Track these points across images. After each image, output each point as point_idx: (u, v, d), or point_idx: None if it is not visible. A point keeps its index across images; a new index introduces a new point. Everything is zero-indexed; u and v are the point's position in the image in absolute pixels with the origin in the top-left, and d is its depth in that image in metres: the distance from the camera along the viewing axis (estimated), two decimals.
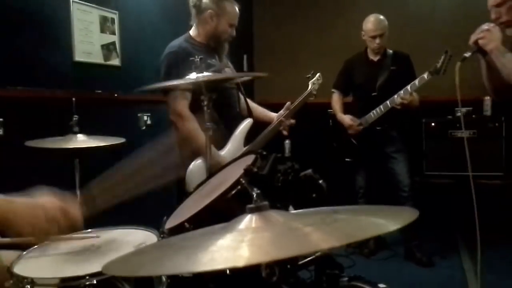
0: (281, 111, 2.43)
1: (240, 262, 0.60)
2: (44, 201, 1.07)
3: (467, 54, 1.93)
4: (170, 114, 2.16)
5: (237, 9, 2.26)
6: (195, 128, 2.06)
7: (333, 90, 3.52)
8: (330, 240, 0.63)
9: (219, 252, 0.66)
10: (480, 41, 1.88)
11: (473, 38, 1.91)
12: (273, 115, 2.47)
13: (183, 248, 0.75)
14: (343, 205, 0.86)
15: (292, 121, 2.43)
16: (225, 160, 2.06)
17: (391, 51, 3.31)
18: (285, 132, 2.43)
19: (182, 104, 2.09)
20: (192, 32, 2.28)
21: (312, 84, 2.58)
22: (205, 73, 1.60)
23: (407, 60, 3.27)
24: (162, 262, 0.71)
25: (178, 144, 2.26)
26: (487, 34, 1.86)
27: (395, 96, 3.07)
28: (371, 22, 3.20)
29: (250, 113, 2.39)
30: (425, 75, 2.98)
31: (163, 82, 1.98)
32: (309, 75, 2.61)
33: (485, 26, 1.91)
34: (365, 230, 0.69)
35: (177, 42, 2.22)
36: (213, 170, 1.73)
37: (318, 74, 2.62)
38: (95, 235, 1.30)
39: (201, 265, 0.64)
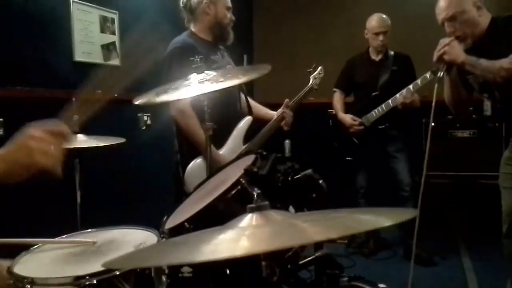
0: (280, 109, 2.43)
1: (242, 252, 0.61)
2: (26, 132, 1.04)
3: (440, 74, 1.91)
4: (171, 111, 2.16)
5: None
6: (195, 125, 2.07)
7: (334, 89, 3.52)
8: (328, 232, 0.64)
9: (221, 244, 0.67)
10: (446, 57, 1.85)
11: (436, 55, 1.88)
12: (273, 113, 2.47)
13: (185, 243, 0.76)
14: (343, 206, 0.86)
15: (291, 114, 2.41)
16: (223, 158, 2.06)
17: (392, 52, 3.32)
18: (286, 128, 2.41)
19: (184, 101, 2.10)
20: (193, 28, 2.28)
21: (313, 79, 2.57)
22: (206, 72, 1.59)
23: (408, 61, 3.29)
24: (165, 254, 0.71)
25: (178, 141, 2.26)
26: (450, 49, 1.84)
27: (397, 95, 3.08)
28: (375, 20, 3.22)
29: (250, 111, 2.39)
30: (428, 75, 2.99)
31: (167, 81, 1.98)
32: (311, 69, 2.60)
33: (444, 41, 1.88)
34: (363, 224, 0.69)
35: (181, 37, 2.22)
36: (211, 169, 1.73)
37: (320, 68, 2.59)
38: (91, 240, 1.30)
39: (204, 255, 0.64)
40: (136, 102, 1.49)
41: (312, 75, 2.58)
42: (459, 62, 1.83)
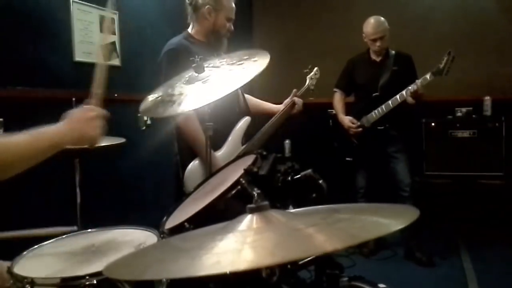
0: (289, 99, 2.43)
1: (246, 265, 0.60)
2: (75, 112, 1.26)
3: None
4: None
5: (233, 3, 2.27)
6: (196, 128, 2.06)
7: (335, 89, 3.52)
8: (334, 242, 0.63)
9: (224, 254, 0.66)
10: None
11: None
12: (278, 106, 2.46)
13: (186, 250, 0.75)
14: (343, 204, 0.86)
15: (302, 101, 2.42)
16: (219, 161, 2.06)
17: (393, 51, 3.32)
18: (297, 110, 2.41)
19: None
20: (191, 30, 2.28)
21: (309, 79, 2.59)
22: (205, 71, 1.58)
23: (409, 60, 3.28)
24: (166, 265, 0.70)
25: (177, 143, 2.26)
26: None
27: (397, 96, 3.08)
28: (371, 25, 3.22)
29: (248, 111, 2.39)
30: (428, 76, 3.00)
31: (162, 83, 1.98)
32: (307, 70, 2.62)
33: None
34: (368, 231, 0.68)
35: (176, 39, 2.22)
36: (209, 170, 1.73)
37: (315, 69, 2.61)
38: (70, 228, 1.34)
39: (207, 268, 0.63)
40: (141, 110, 1.53)
41: (308, 76, 2.59)
42: None
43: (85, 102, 1.32)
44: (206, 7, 2.19)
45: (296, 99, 2.42)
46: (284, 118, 2.41)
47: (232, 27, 2.28)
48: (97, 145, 1.28)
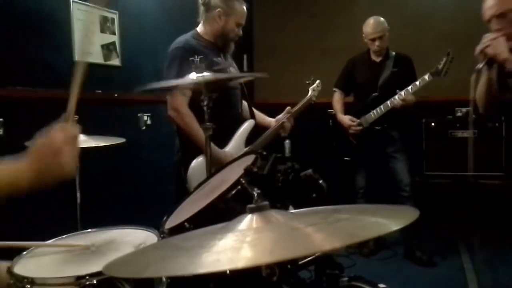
0: (280, 115, 2.44)
1: (244, 263, 0.60)
2: (40, 142, 1.02)
3: (480, 65, 1.81)
4: (168, 110, 2.17)
5: (245, 8, 2.26)
6: (192, 124, 2.07)
7: (334, 89, 3.52)
8: (333, 241, 0.63)
9: (223, 252, 0.66)
10: (489, 50, 1.74)
11: (479, 47, 1.79)
12: (270, 119, 2.49)
13: (185, 249, 0.75)
14: (343, 205, 0.86)
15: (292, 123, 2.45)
16: (228, 155, 2.07)
17: (393, 52, 3.32)
18: (283, 134, 2.44)
19: (180, 101, 2.10)
20: (199, 29, 2.27)
21: (312, 91, 2.62)
22: (205, 73, 1.60)
23: (409, 62, 3.29)
24: (166, 263, 0.70)
25: (179, 140, 2.26)
26: (495, 43, 1.73)
27: (396, 96, 3.08)
28: (370, 25, 3.22)
29: (252, 115, 2.39)
30: (426, 76, 3.00)
31: (163, 81, 1.99)
32: (309, 82, 2.64)
33: (490, 35, 1.79)
34: (368, 230, 0.68)
35: (184, 38, 2.21)
36: (215, 167, 1.73)
37: (317, 81, 2.66)
38: (84, 244, 1.29)
39: (206, 266, 0.64)
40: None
41: (310, 87, 2.61)
42: (502, 58, 1.72)
43: (54, 123, 1.06)
44: (217, 10, 2.18)
45: (286, 121, 2.41)
46: (274, 135, 2.42)
47: (241, 32, 2.28)
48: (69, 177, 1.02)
